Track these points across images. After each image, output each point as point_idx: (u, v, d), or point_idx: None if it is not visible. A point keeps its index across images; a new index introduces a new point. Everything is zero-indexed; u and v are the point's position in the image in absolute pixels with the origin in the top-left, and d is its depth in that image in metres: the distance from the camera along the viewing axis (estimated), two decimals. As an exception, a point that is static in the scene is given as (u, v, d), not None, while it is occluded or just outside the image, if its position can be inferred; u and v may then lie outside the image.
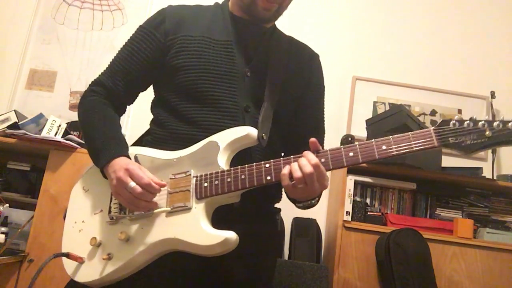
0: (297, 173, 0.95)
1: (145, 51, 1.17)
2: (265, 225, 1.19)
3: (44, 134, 2.21)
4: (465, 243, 2.07)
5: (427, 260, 1.98)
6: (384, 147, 0.95)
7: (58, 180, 2.13)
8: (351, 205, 2.14)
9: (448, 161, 2.40)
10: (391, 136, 0.96)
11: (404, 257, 1.93)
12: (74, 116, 2.61)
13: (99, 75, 1.21)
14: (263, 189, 1.11)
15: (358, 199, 2.23)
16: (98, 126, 1.12)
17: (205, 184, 1.01)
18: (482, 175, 2.29)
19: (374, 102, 2.67)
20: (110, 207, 1.08)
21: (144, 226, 1.02)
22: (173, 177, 1.05)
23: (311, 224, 2.27)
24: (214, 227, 0.99)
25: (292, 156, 0.99)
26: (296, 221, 2.28)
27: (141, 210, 1.02)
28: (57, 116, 2.34)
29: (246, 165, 1.01)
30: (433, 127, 0.95)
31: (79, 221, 1.11)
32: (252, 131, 1.05)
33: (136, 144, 1.21)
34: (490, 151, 2.54)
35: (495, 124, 0.91)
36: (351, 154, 0.96)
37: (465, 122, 0.93)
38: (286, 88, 1.19)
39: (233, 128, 1.06)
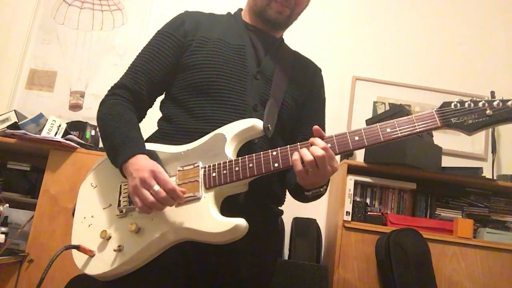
0: (308, 157, 0.97)
1: (166, 51, 1.21)
2: (268, 225, 1.21)
3: (44, 134, 2.21)
4: (465, 243, 2.07)
5: (427, 260, 1.98)
6: (388, 130, 0.98)
7: (58, 180, 2.13)
8: (351, 205, 2.14)
9: (448, 161, 2.40)
10: (394, 120, 0.99)
11: (404, 257, 1.93)
12: (74, 116, 2.62)
13: (120, 79, 1.22)
14: (269, 189, 1.15)
15: (358, 199, 2.23)
16: (119, 126, 1.12)
17: (214, 174, 1.03)
18: (482, 175, 2.29)
19: (374, 102, 2.67)
20: (119, 201, 1.10)
21: (154, 217, 1.04)
22: (181, 169, 1.07)
23: (311, 224, 2.27)
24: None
25: (298, 143, 1.02)
26: (296, 221, 2.28)
27: (147, 212, 1.02)
28: (57, 116, 2.34)
29: (254, 154, 1.03)
30: (435, 109, 0.98)
31: (89, 216, 1.13)
32: (258, 122, 1.09)
33: (147, 140, 1.22)
34: (490, 151, 2.55)
35: (495, 103, 0.94)
36: (356, 138, 0.99)
37: (466, 103, 0.96)
38: (289, 92, 1.24)
39: (239, 120, 1.10)
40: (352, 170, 2.20)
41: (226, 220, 0.98)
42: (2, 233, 2.04)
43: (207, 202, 1.01)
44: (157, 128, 1.25)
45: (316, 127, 1.02)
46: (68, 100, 2.71)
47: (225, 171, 1.03)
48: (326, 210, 2.51)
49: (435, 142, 2.28)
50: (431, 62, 2.75)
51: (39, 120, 2.29)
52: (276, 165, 1.01)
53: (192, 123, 1.14)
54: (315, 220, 2.29)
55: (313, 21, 2.80)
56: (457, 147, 2.59)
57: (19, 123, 2.24)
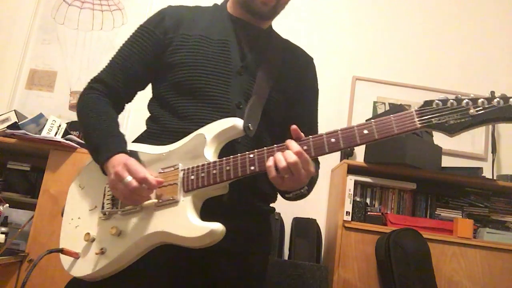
0: (282, 163, 0.94)
1: (145, 48, 1.19)
2: (255, 223, 1.19)
3: (44, 134, 2.21)
4: (465, 243, 2.07)
5: (427, 260, 1.98)
6: (365, 131, 0.93)
7: (58, 180, 2.13)
8: (351, 205, 2.14)
9: (448, 161, 2.40)
10: (372, 120, 0.94)
11: (404, 257, 1.93)
12: (74, 116, 2.61)
13: (99, 73, 1.23)
14: (255, 187, 1.13)
15: (358, 199, 2.23)
16: (98, 123, 1.12)
17: (192, 177, 1.02)
18: (482, 175, 2.29)
19: (374, 102, 2.67)
20: (103, 203, 1.10)
21: (134, 221, 1.04)
22: (162, 171, 1.06)
23: (311, 224, 2.27)
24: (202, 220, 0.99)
25: (275, 146, 0.99)
26: (296, 221, 2.28)
27: (134, 204, 1.03)
28: (57, 116, 2.34)
29: (231, 156, 1.01)
30: (415, 108, 0.91)
31: (76, 218, 1.14)
32: (238, 122, 1.06)
33: (134, 141, 1.22)
34: (490, 151, 2.54)
35: (479, 101, 0.87)
36: (332, 140, 0.95)
37: (449, 102, 0.89)
38: (277, 86, 1.20)
39: (220, 120, 1.07)
40: (352, 170, 2.20)
41: (202, 224, 0.97)
42: (2, 233, 2.04)
43: (185, 205, 1.00)
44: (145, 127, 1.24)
45: (293, 126, 0.98)
46: (68, 100, 2.71)
47: (203, 174, 1.01)
48: (326, 210, 2.51)
49: (435, 142, 2.28)
50: (431, 62, 2.75)
51: (39, 120, 2.29)
52: (252, 168, 0.98)
53: (176, 123, 1.13)
54: (315, 220, 2.29)
55: (313, 21, 2.80)
56: (457, 147, 2.58)
57: (19, 123, 2.24)
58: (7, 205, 2.17)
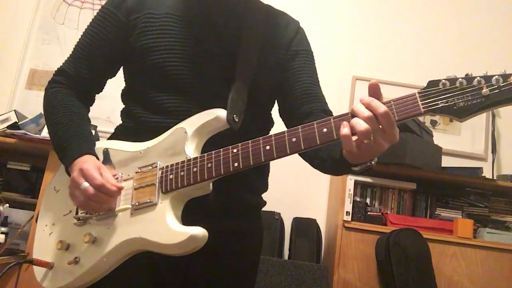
0: (360, 127, 0.78)
1: (107, 33, 1.06)
2: (245, 221, 1.09)
3: (44, 134, 2.21)
4: (465, 243, 2.07)
5: (427, 260, 1.98)
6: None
7: (58, 180, 2.13)
8: (351, 205, 2.14)
9: (448, 161, 2.40)
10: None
11: (404, 257, 1.93)
12: (74, 116, 2.61)
13: (62, 63, 1.12)
14: (243, 180, 1.01)
15: (358, 199, 2.23)
16: (62, 122, 1.02)
17: (171, 176, 0.91)
18: (482, 175, 2.29)
19: (374, 102, 2.67)
20: (77, 208, 1.00)
21: (110, 226, 0.94)
22: (139, 171, 0.96)
23: (311, 224, 2.27)
24: (186, 223, 0.89)
25: (261, 138, 0.88)
26: (296, 221, 2.28)
27: (95, 212, 0.95)
28: (57, 116, 2.33)
29: (213, 152, 0.90)
30: (418, 90, 0.80)
31: (50, 224, 1.04)
32: (221, 113, 0.95)
33: (110, 137, 1.12)
34: (490, 151, 2.54)
35: (493, 79, 0.75)
36: (324, 130, 0.82)
37: (458, 81, 0.77)
38: (262, 64, 1.07)
39: (202, 112, 0.96)
40: (352, 170, 2.20)
41: (182, 229, 0.87)
42: (2, 233, 2.04)
43: (163, 209, 0.90)
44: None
45: (373, 82, 0.82)
46: (68, 100, 2.71)
47: (182, 173, 0.90)
48: (326, 210, 2.51)
49: (435, 142, 2.28)
50: (431, 62, 2.74)
51: (39, 120, 2.29)
52: (235, 165, 0.88)
53: (152, 117, 1.01)
54: (315, 220, 2.29)
55: (313, 21, 2.80)
56: (457, 147, 2.59)
57: (19, 123, 2.24)
58: (7, 205, 2.17)
